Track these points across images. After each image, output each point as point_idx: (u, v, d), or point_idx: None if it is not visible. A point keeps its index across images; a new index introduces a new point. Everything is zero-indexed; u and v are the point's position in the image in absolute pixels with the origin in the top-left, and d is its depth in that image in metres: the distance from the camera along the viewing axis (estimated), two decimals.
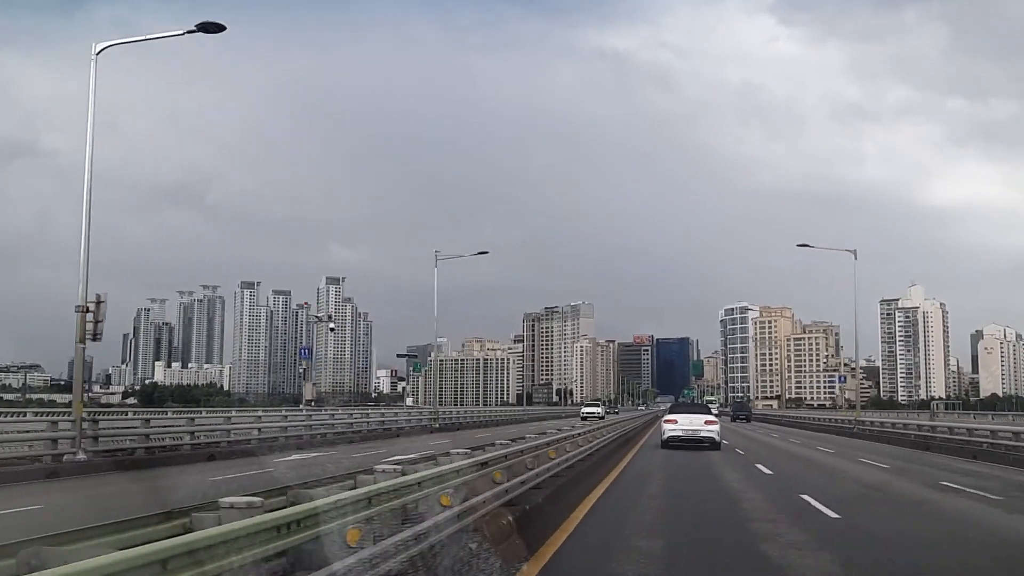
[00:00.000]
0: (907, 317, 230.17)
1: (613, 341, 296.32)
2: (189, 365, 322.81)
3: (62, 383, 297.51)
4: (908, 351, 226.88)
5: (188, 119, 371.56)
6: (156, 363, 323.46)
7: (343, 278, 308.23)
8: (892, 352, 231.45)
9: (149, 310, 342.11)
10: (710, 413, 31.24)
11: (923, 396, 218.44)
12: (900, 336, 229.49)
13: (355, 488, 5.49)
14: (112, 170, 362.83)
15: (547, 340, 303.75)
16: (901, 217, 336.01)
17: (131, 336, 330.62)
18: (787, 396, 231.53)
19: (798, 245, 45.50)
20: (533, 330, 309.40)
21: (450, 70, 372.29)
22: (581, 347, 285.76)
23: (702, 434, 26.81)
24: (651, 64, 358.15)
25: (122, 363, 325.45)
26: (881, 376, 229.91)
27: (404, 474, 6.24)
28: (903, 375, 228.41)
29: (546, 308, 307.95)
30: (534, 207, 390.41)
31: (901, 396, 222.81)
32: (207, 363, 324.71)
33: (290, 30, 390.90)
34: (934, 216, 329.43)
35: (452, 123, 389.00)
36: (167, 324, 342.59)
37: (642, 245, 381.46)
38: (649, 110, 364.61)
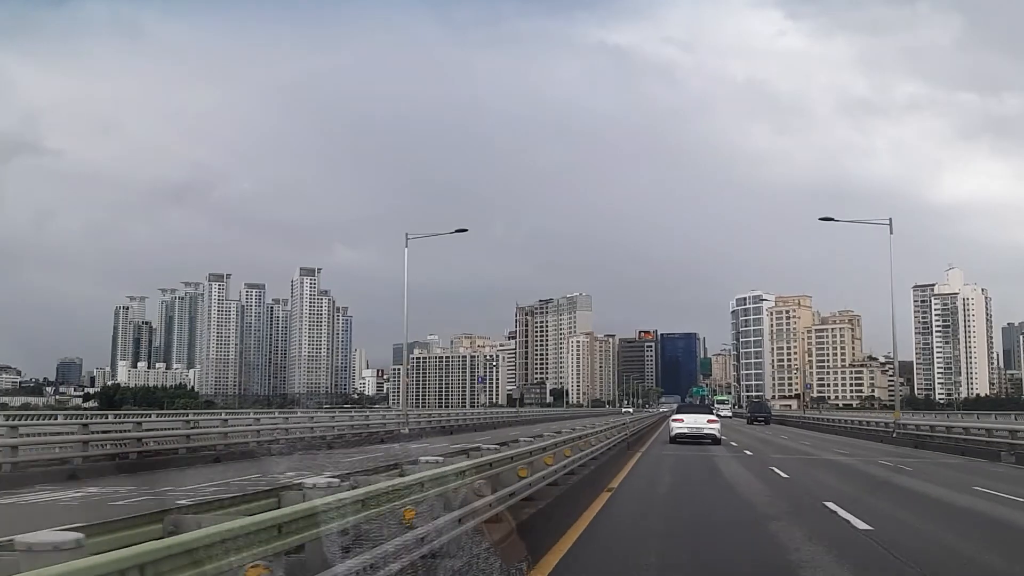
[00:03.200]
0: (945, 305, 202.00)
1: (613, 336, 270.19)
2: (157, 365, 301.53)
3: (32, 385, 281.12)
4: (946, 343, 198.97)
5: (191, 119, 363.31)
6: (120, 362, 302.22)
7: (319, 269, 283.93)
8: (928, 344, 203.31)
9: (128, 308, 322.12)
10: (711, 413, 34.88)
11: (964, 394, 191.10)
12: (937, 326, 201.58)
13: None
14: (113, 169, 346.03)
15: (541, 335, 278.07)
16: (908, 212, 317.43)
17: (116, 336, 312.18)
18: (807, 395, 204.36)
19: (821, 218, 41.06)
20: (527, 325, 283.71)
21: (453, 68, 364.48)
22: (577, 342, 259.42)
23: (705, 431, 30.19)
24: (656, 59, 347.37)
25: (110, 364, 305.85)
26: (915, 371, 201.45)
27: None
28: (940, 370, 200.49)
29: (540, 300, 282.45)
30: (539, 204, 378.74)
31: (939, 394, 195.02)
32: (178, 363, 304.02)
33: (291, 30, 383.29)
34: (941, 211, 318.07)
35: (456, 121, 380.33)
36: (147, 323, 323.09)
37: (646, 241, 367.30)
38: (654, 105, 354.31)
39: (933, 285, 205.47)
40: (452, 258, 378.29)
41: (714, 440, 29.69)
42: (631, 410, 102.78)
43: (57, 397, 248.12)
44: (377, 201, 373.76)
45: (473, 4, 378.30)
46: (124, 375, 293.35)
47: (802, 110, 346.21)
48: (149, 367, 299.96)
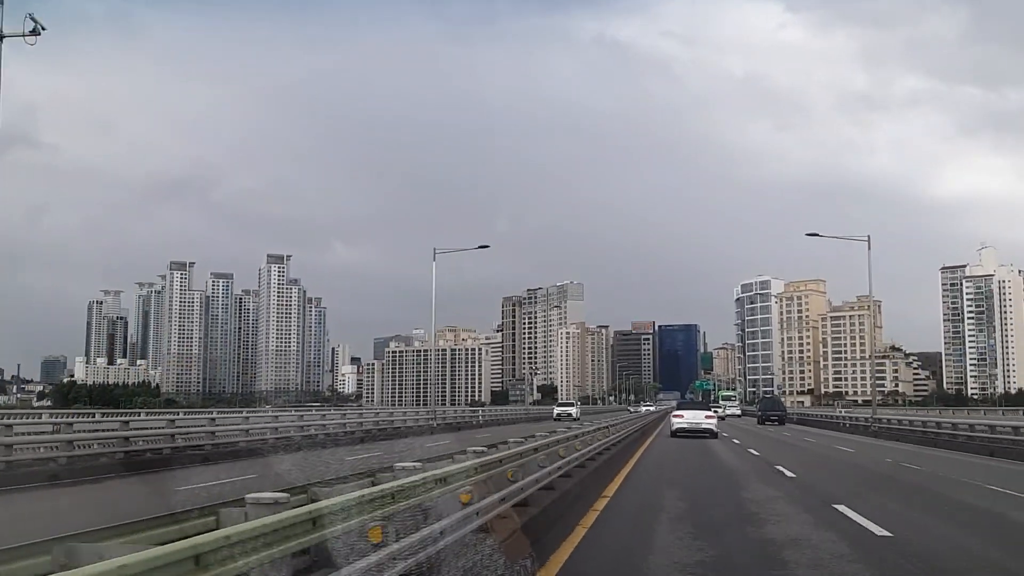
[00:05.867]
0: (978, 288, 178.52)
1: (606, 327, 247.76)
2: (118, 361, 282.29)
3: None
4: (980, 331, 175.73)
5: (188, 116, 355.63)
6: (78, 359, 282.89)
7: (288, 256, 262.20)
8: (959, 333, 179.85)
9: (102, 303, 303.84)
10: (709, 410, 38.21)
11: (1001, 388, 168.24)
12: (969, 312, 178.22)
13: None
14: (107, 165, 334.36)
15: (529, 327, 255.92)
16: (909, 209, 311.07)
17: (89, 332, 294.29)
18: (823, 390, 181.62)
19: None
20: (514, 316, 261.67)
21: (450, 65, 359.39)
22: (567, 333, 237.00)
23: (703, 426, 33.14)
24: (656, 54, 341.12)
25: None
26: (944, 363, 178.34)
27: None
28: (973, 362, 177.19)
29: (528, 290, 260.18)
30: (537, 200, 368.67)
31: (971, 389, 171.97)
32: (143, 359, 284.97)
33: (287, 27, 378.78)
34: (941, 208, 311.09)
35: (453, 117, 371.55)
36: (121, 318, 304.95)
37: (646, 236, 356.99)
38: (652, 100, 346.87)
39: (964, 266, 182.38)
40: (450, 255, 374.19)
41: (712, 434, 32.43)
42: (574, 411, 57.26)
43: (20, 396, 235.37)
44: (374, 198, 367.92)
45: (472, 3, 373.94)
46: (81, 372, 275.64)
47: (802, 105, 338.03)
48: (109, 363, 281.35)
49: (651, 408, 79.91)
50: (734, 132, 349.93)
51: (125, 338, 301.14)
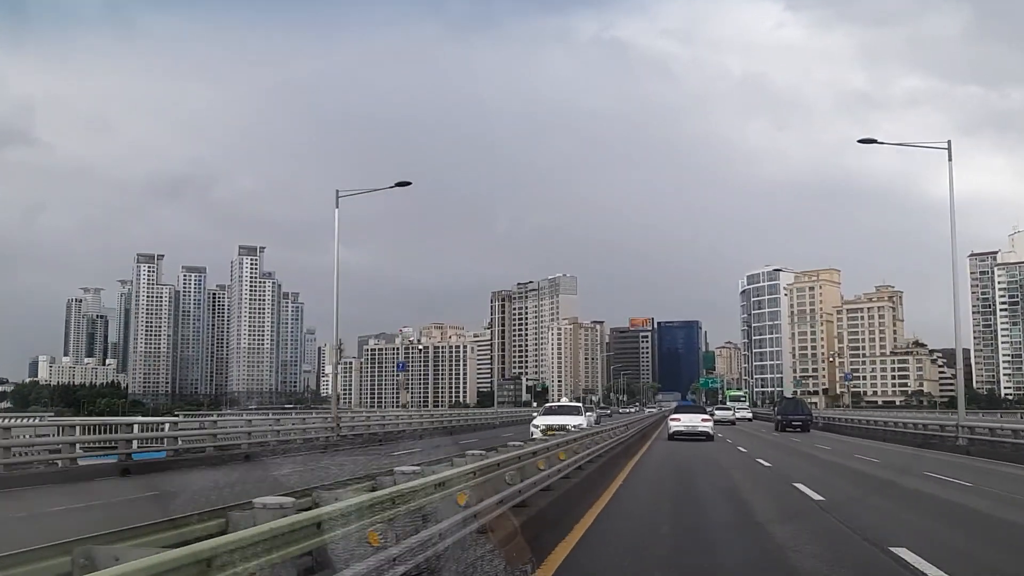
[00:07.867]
0: (1012, 277, 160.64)
1: (601, 323, 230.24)
2: (85, 360, 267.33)
3: None
4: (1014, 324, 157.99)
5: (185, 115, 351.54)
6: (41, 359, 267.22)
7: (261, 247, 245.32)
8: (990, 326, 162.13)
9: (82, 301, 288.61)
10: (705, 413, 39.85)
11: None
12: (1002, 304, 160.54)
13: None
14: (103, 165, 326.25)
15: (520, 324, 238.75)
16: (912, 208, 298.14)
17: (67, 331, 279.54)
18: (838, 389, 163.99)
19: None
20: (503, 312, 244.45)
21: (449, 65, 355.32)
22: (559, 329, 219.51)
23: (699, 429, 34.32)
24: (654, 54, 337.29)
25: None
26: (973, 360, 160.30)
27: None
28: (1007, 359, 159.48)
29: (519, 284, 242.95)
30: (535, 201, 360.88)
31: (1004, 388, 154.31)
32: (112, 359, 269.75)
33: (289, 29, 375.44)
34: (940, 208, 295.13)
35: (451, 118, 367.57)
36: (102, 317, 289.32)
37: (645, 237, 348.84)
38: (652, 100, 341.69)
39: (995, 253, 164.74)
40: (450, 258, 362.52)
41: (708, 437, 33.28)
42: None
43: None
44: (371, 198, 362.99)
45: (471, 3, 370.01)
46: (46, 371, 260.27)
47: (801, 104, 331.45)
48: (76, 363, 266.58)
49: (581, 423, 33.28)
50: (733, 131, 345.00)
51: (105, 337, 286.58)
